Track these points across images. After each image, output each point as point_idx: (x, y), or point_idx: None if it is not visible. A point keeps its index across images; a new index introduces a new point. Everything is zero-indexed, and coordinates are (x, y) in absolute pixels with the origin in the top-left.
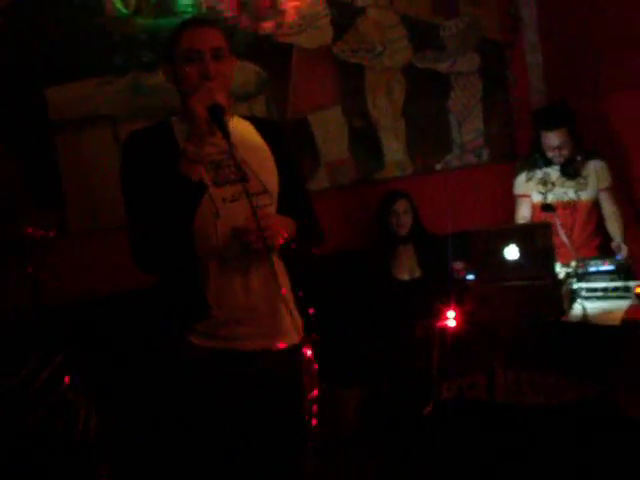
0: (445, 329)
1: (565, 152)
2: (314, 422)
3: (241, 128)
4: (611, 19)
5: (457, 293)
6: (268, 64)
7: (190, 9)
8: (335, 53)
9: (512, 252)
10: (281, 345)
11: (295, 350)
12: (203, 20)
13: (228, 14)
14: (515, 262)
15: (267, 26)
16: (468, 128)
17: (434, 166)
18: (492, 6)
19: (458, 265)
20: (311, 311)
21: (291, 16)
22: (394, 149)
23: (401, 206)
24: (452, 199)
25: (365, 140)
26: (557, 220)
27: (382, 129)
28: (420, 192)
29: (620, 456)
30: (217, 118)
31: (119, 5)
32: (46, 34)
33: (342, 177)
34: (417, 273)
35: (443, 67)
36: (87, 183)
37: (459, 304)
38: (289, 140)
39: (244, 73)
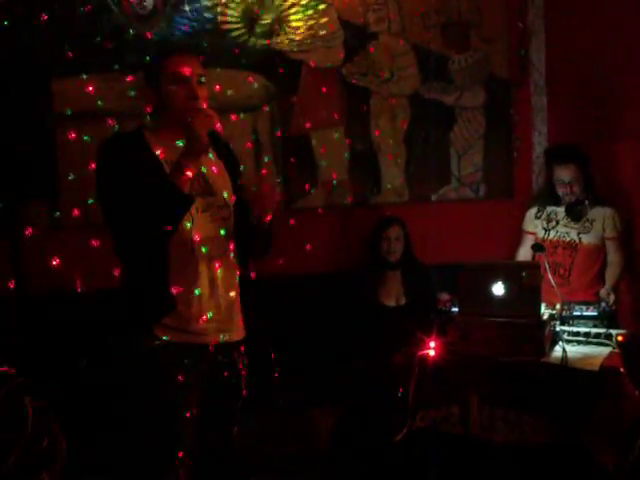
0: (425, 358)
1: (576, 189)
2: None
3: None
4: (618, 67)
5: (440, 324)
6: (277, 78)
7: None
8: (344, 74)
9: (499, 289)
10: (237, 337)
11: (243, 342)
12: (185, 48)
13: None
14: (501, 299)
15: (279, 41)
16: (467, 162)
17: (430, 196)
18: (502, 45)
19: (444, 296)
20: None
21: (304, 34)
22: (393, 175)
23: (393, 232)
24: (445, 230)
25: (365, 163)
26: (546, 261)
27: (383, 154)
28: (414, 221)
29: None
30: (215, 141)
31: (134, 10)
32: (60, 26)
33: (338, 198)
34: (403, 300)
35: (449, 99)
36: (83, 178)
37: (441, 335)
38: (235, 155)
39: (252, 85)
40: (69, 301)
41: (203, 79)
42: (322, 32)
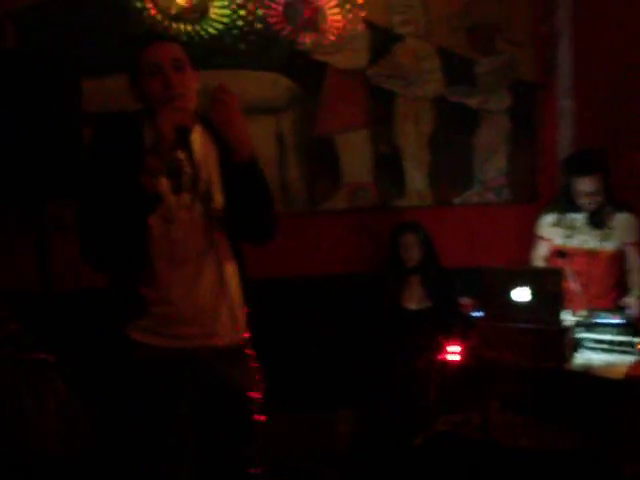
0: (446, 363)
1: (598, 199)
2: (259, 417)
3: (197, 136)
4: None
5: (462, 328)
6: (301, 80)
7: (227, 19)
8: (369, 77)
9: (521, 294)
10: (220, 342)
11: (235, 348)
12: (159, 35)
13: (271, 20)
14: (523, 304)
15: (305, 41)
16: (491, 166)
17: (453, 200)
18: (529, 48)
19: (466, 301)
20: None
21: (330, 35)
22: (416, 178)
23: (408, 239)
24: (468, 235)
25: (389, 166)
26: (569, 267)
27: (407, 157)
28: (437, 224)
29: None
30: (183, 139)
31: (161, 10)
32: (90, 26)
33: (362, 200)
34: (425, 304)
35: (474, 103)
36: None
37: (463, 340)
38: None
39: (276, 86)
40: (94, 298)
41: (181, 65)
42: (348, 34)
